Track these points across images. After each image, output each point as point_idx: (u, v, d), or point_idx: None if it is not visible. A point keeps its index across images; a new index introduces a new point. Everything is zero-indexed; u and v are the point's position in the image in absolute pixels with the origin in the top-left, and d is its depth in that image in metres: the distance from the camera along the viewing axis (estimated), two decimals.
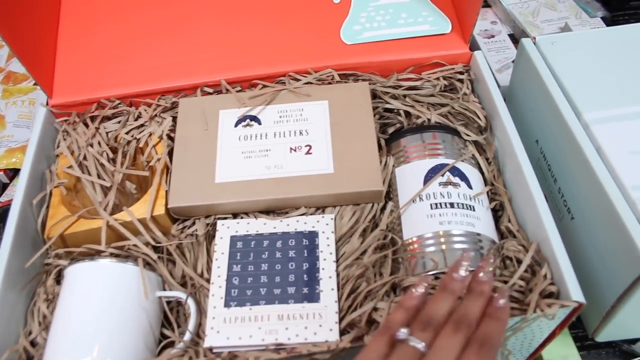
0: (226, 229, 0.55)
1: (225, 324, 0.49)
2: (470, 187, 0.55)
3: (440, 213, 0.52)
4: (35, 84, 0.92)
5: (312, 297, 0.49)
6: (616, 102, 0.56)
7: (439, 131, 0.59)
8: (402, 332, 0.37)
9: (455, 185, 0.54)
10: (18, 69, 0.95)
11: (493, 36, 0.86)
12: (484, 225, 0.53)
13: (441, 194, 0.53)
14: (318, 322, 0.48)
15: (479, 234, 0.52)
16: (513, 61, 0.85)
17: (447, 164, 0.55)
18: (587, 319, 0.58)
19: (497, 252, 0.51)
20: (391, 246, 0.53)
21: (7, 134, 0.83)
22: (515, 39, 0.88)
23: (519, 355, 0.56)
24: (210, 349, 0.48)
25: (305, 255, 0.52)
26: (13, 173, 0.81)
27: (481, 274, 0.41)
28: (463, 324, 0.37)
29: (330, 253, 0.52)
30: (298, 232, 0.53)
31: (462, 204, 0.53)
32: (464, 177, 0.55)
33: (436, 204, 0.53)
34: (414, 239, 0.52)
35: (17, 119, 0.85)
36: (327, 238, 0.53)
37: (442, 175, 0.55)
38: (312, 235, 0.53)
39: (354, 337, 0.45)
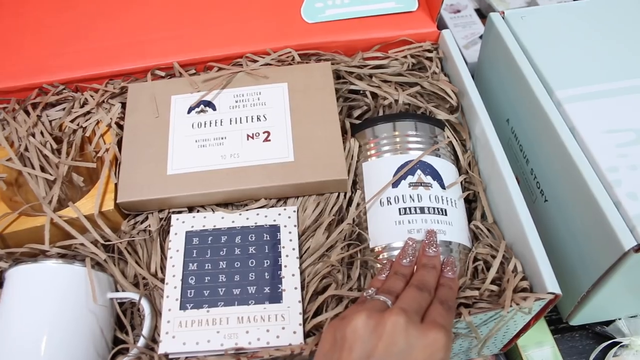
0: (181, 224, 0.51)
1: (181, 328, 0.45)
2: (442, 187, 0.51)
3: (410, 219, 0.48)
4: None
5: (274, 297, 0.46)
6: (589, 79, 0.54)
7: (411, 120, 0.54)
8: (370, 292, 0.42)
9: (426, 186, 0.50)
10: None
11: (459, 11, 0.83)
12: (456, 231, 0.49)
13: (411, 196, 0.49)
14: (281, 324, 0.45)
15: (450, 242, 0.48)
16: (480, 37, 0.82)
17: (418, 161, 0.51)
18: (561, 304, 0.57)
19: (467, 261, 0.49)
20: (359, 243, 0.50)
21: None
22: (482, 13, 0.85)
23: (493, 347, 0.54)
24: (166, 355, 0.45)
25: (267, 251, 0.49)
26: None
27: (429, 250, 0.46)
28: (424, 288, 0.41)
29: (293, 249, 0.49)
30: (258, 227, 0.50)
31: (434, 208, 0.49)
32: (436, 175, 0.51)
33: (405, 209, 0.49)
34: (381, 248, 0.48)
35: None
36: (290, 232, 0.49)
37: (412, 174, 0.51)
38: (274, 230, 0.50)
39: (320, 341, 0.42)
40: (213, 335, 0.45)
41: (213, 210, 0.52)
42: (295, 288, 0.46)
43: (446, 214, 0.49)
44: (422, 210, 0.49)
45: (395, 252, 0.47)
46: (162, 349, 0.45)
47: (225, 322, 0.45)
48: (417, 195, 0.49)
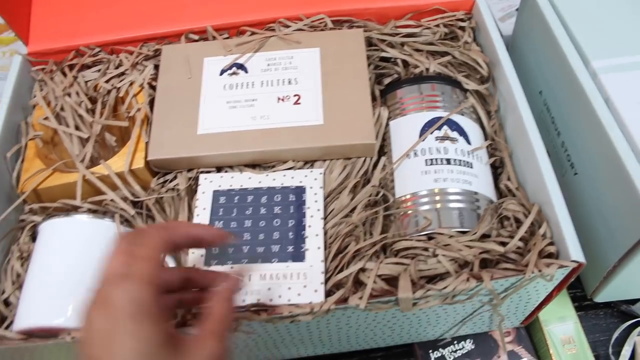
0: (209, 184, 0.52)
1: None
2: (468, 142, 0.51)
3: (436, 169, 0.49)
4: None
5: (297, 256, 0.47)
6: (627, 50, 0.52)
7: (438, 82, 0.55)
8: None
9: (452, 140, 0.51)
10: None
11: None
12: (482, 184, 0.50)
13: (437, 149, 0.50)
14: (302, 282, 0.45)
15: (476, 193, 0.49)
16: (517, 9, 0.81)
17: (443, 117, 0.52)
18: (586, 279, 0.56)
19: (494, 212, 0.49)
20: (383, 203, 0.50)
21: None
22: None
23: (514, 319, 0.54)
24: None
25: (292, 211, 0.49)
26: None
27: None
28: None
29: (318, 210, 0.49)
30: (284, 187, 0.50)
31: (459, 160, 0.50)
32: (462, 132, 0.52)
33: (432, 160, 0.50)
34: (407, 197, 0.49)
35: None
36: (315, 194, 0.50)
37: (439, 129, 0.51)
38: (299, 191, 0.50)
39: (339, 299, 0.42)
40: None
41: (241, 171, 0.52)
42: (319, 248, 0.47)
43: (472, 167, 0.49)
44: (448, 161, 0.49)
45: (421, 200, 0.48)
46: None
47: (247, 278, 0.46)
48: (444, 147, 0.50)
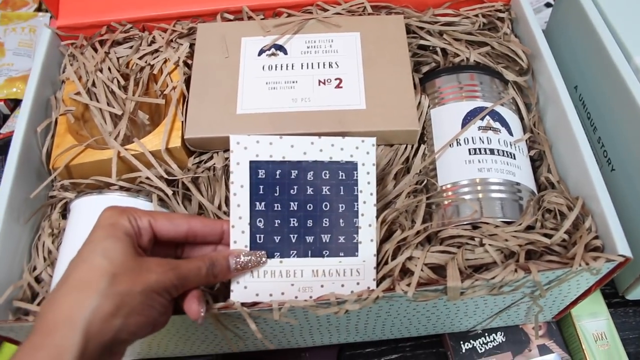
0: (243, 151, 0.43)
1: (253, 279, 0.42)
2: (510, 133, 0.51)
3: (480, 159, 0.49)
4: (36, 10, 0.87)
5: (350, 249, 0.44)
6: None
7: (478, 72, 0.54)
8: None
9: (495, 130, 0.50)
10: None
11: None
12: (524, 175, 0.49)
13: (480, 138, 0.50)
14: (356, 279, 0.43)
15: (518, 184, 0.48)
16: (546, 4, 0.80)
17: (486, 107, 0.51)
18: (619, 277, 0.56)
19: (537, 204, 0.48)
20: (424, 191, 0.50)
21: (7, 62, 0.79)
22: None
23: (547, 313, 0.53)
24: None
25: (342, 193, 0.44)
26: (14, 104, 0.77)
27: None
28: None
29: (371, 194, 0.44)
30: (333, 162, 0.44)
31: (503, 151, 0.49)
32: (504, 123, 0.51)
33: (475, 149, 0.49)
34: (449, 186, 0.49)
35: (17, 46, 0.81)
36: (368, 173, 0.44)
37: (482, 119, 0.51)
38: (350, 168, 0.44)
39: (386, 288, 0.41)
40: (287, 288, 0.43)
41: (280, 136, 0.44)
42: (372, 240, 0.44)
43: (515, 158, 0.49)
44: (491, 151, 0.49)
45: (464, 189, 0.48)
46: (233, 298, 0.42)
47: (299, 274, 0.43)
48: (487, 137, 0.50)
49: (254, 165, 0.43)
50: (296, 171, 0.44)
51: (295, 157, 0.44)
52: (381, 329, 0.51)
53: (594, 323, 0.54)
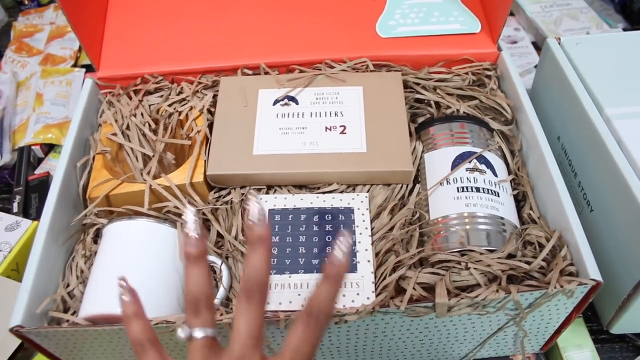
0: (264, 203, 0.57)
1: None
2: (495, 174, 0.57)
3: (467, 196, 0.55)
4: (72, 66, 0.97)
5: (350, 267, 0.51)
6: (638, 100, 0.58)
7: (467, 121, 0.61)
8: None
9: (481, 171, 0.57)
10: (56, 51, 1.00)
11: (516, 42, 0.89)
12: (507, 211, 0.55)
13: (468, 178, 0.56)
14: (355, 290, 0.50)
15: (502, 218, 0.54)
16: (535, 66, 0.88)
17: (474, 152, 0.58)
18: (602, 310, 0.60)
19: (519, 236, 0.54)
20: (418, 223, 0.56)
21: (45, 111, 0.87)
22: (537, 46, 0.91)
23: (534, 343, 0.57)
24: None
25: (342, 228, 0.54)
26: (48, 148, 0.84)
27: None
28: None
29: (366, 228, 0.54)
30: (334, 208, 0.56)
31: (488, 189, 0.55)
32: (489, 165, 0.58)
33: (463, 188, 0.55)
34: (440, 219, 0.54)
35: (55, 97, 0.89)
36: (362, 215, 0.55)
37: (470, 162, 0.57)
38: (348, 211, 0.55)
39: (382, 300, 0.47)
40: (295, 297, 0.50)
41: (290, 192, 0.58)
42: (368, 261, 0.52)
43: (499, 196, 0.55)
44: (477, 189, 0.55)
45: (453, 222, 0.53)
46: None
47: (306, 286, 0.50)
48: (474, 178, 0.56)
49: (272, 212, 0.56)
50: (304, 215, 0.56)
51: (304, 205, 0.56)
52: (379, 352, 0.56)
53: (580, 354, 0.57)
